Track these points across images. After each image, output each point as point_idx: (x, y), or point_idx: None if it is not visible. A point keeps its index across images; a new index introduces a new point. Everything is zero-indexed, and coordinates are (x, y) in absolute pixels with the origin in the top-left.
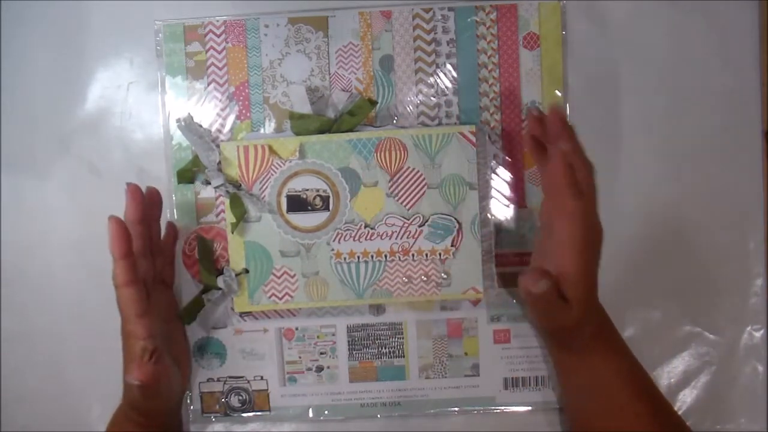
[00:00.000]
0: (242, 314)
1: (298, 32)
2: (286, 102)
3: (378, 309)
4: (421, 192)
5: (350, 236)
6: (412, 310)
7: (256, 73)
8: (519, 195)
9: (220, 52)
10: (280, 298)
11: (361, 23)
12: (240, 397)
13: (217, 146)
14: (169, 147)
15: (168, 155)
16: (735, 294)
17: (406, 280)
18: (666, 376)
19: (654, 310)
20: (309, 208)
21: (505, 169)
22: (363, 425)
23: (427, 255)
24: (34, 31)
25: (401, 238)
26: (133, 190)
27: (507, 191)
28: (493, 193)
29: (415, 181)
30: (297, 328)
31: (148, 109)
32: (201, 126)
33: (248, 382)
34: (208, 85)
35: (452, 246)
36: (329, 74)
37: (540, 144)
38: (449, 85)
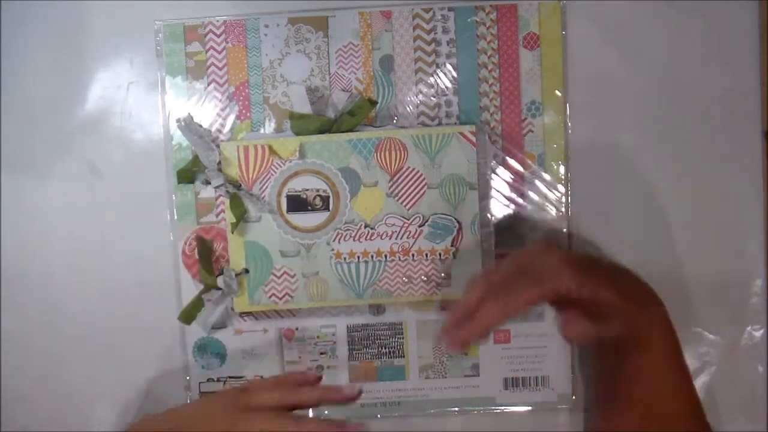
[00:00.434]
0: (242, 314)
1: (298, 32)
2: (286, 102)
3: (378, 309)
4: (421, 192)
5: (350, 236)
6: (412, 310)
7: (256, 73)
8: (519, 195)
9: (220, 52)
10: (280, 298)
11: (361, 23)
12: None
13: (217, 146)
14: (169, 147)
15: (168, 155)
16: (735, 294)
17: (406, 280)
18: None
19: None
20: (309, 208)
21: (505, 169)
22: None
23: (427, 255)
24: (34, 31)
25: (401, 238)
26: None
27: (507, 191)
28: (493, 193)
29: (415, 181)
30: (297, 328)
31: (148, 109)
32: (201, 126)
33: (248, 382)
34: (208, 85)
35: (452, 246)
36: (329, 74)
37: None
38: (449, 85)
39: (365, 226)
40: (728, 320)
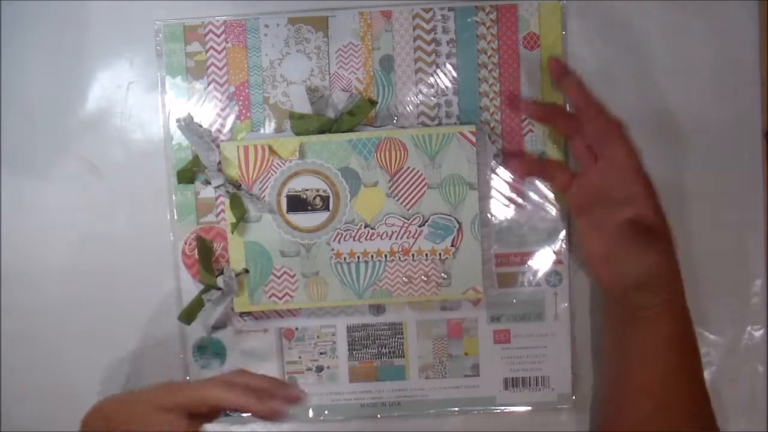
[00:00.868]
0: (242, 314)
1: (298, 32)
2: (286, 102)
3: (378, 309)
4: (421, 192)
5: (350, 236)
6: (412, 310)
7: (256, 73)
8: (519, 195)
9: (220, 52)
10: (280, 298)
11: (361, 23)
12: None
13: (217, 146)
14: (169, 147)
15: (168, 155)
16: (735, 294)
17: (406, 280)
18: None
19: None
20: (309, 208)
21: (505, 169)
22: (363, 425)
23: (427, 255)
24: (34, 31)
25: (401, 238)
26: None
27: (507, 191)
28: (493, 193)
29: (415, 181)
30: (297, 328)
31: (148, 109)
32: (201, 126)
33: None
34: (208, 85)
35: (452, 246)
36: (329, 74)
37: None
38: (449, 85)
39: (365, 226)
40: (728, 320)
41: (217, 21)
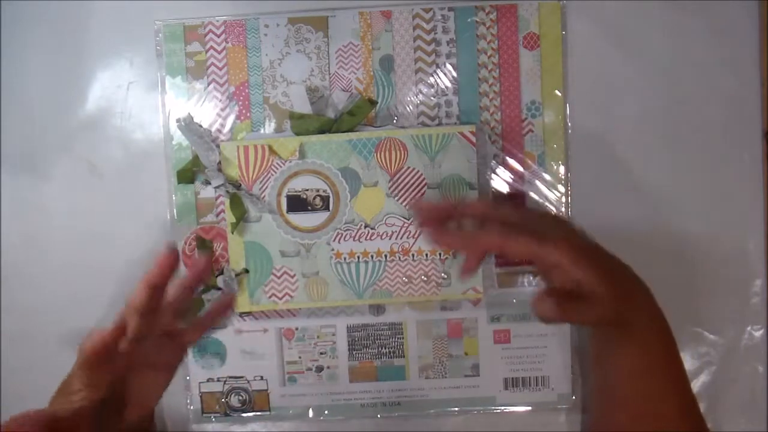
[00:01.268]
0: (242, 314)
1: (298, 32)
2: (286, 102)
3: (378, 309)
4: (421, 192)
5: (350, 236)
6: (412, 310)
7: (256, 73)
8: (519, 195)
9: (220, 52)
10: (280, 298)
11: (361, 23)
12: (240, 397)
13: (217, 146)
14: (169, 147)
15: (168, 155)
16: (735, 294)
17: (406, 280)
18: None
19: None
20: (309, 208)
21: (505, 169)
22: (363, 425)
23: (427, 255)
24: (34, 31)
25: (401, 238)
26: (173, 257)
27: (507, 191)
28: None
29: (415, 181)
30: (297, 328)
31: (148, 109)
32: (201, 126)
33: (248, 382)
34: (208, 85)
35: None
36: (329, 74)
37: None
38: (449, 85)
39: (365, 226)
40: (728, 320)
41: (217, 21)
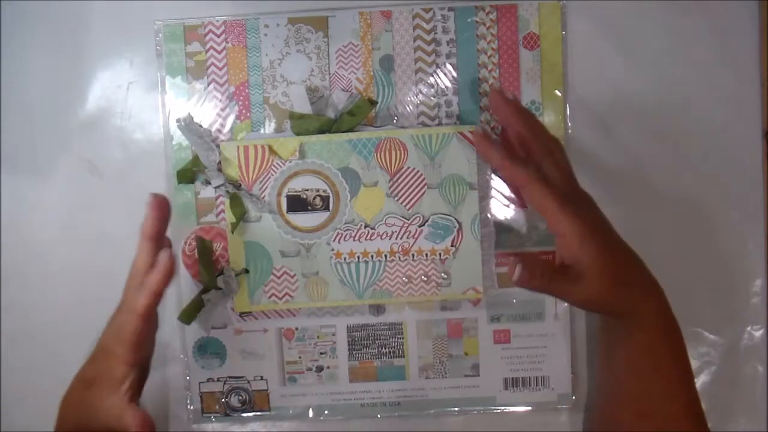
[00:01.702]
0: (242, 314)
1: (298, 32)
2: (286, 102)
3: (378, 309)
4: (421, 192)
5: (350, 236)
6: (412, 310)
7: (256, 73)
8: (519, 195)
9: (220, 52)
10: (280, 298)
11: (361, 23)
12: (240, 397)
13: (217, 146)
14: (169, 147)
15: (168, 155)
16: (735, 294)
17: (406, 280)
18: None
19: None
20: (309, 208)
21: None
22: (363, 425)
23: (427, 255)
24: (34, 31)
25: (401, 238)
26: (161, 203)
27: (507, 191)
28: (493, 193)
29: (415, 181)
30: (297, 328)
31: (148, 109)
32: (201, 126)
33: (248, 382)
34: (208, 85)
35: (452, 246)
36: (329, 74)
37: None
38: (449, 85)
39: (365, 226)
40: (728, 320)
41: (217, 21)
